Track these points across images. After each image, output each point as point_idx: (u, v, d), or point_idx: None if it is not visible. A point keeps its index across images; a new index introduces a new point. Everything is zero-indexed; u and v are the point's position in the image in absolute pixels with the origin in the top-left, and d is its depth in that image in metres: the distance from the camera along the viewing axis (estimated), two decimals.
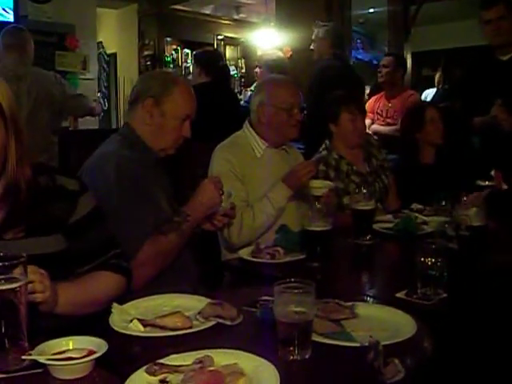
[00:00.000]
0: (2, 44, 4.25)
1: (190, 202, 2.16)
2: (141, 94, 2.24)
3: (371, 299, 1.86)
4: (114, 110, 8.39)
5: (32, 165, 1.67)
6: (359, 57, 8.64)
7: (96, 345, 1.32)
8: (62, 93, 4.28)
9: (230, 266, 2.48)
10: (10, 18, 5.69)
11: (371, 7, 8.37)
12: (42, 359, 1.27)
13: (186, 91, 2.27)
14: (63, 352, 1.32)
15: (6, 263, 1.30)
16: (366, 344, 1.32)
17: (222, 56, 5.00)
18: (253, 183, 2.63)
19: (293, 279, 1.38)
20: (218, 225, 2.31)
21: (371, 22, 8.75)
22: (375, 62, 6.35)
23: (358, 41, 8.98)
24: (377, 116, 5.05)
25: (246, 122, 2.83)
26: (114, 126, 7.93)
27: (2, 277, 1.29)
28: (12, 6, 5.76)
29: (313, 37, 4.71)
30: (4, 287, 1.28)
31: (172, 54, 8.60)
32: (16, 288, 1.30)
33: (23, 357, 1.29)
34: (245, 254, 2.31)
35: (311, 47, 4.74)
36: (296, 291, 1.35)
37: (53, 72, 4.64)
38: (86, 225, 1.74)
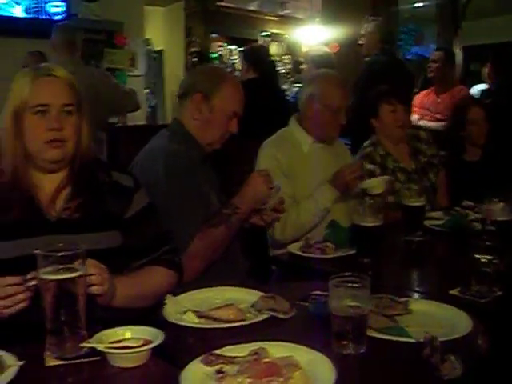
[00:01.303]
0: (52, 42, 4.33)
1: (239, 195, 2.16)
2: (190, 89, 2.26)
3: (424, 296, 1.84)
4: (161, 106, 8.45)
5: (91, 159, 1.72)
6: (407, 51, 8.51)
7: (152, 335, 1.34)
8: (112, 90, 4.33)
9: (279, 261, 2.48)
10: (61, 16, 5.79)
11: (419, 1, 8.25)
12: (100, 347, 1.30)
13: (234, 88, 2.28)
14: (120, 341, 1.35)
15: (66, 254, 1.33)
16: (422, 340, 1.31)
17: (268, 52, 4.99)
18: (300, 179, 2.62)
19: (347, 273, 1.37)
20: (267, 220, 2.30)
21: (419, 16, 8.61)
22: (426, 56, 6.20)
23: (406, 35, 8.85)
24: (426, 111, 4.97)
25: (292, 117, 2.83)
26: (160, 122, 7.99)
27: (62, 267, 1.33)
28: (63, 5, 5.86)
29: (362, 31, 4.68)
30: (64, 276, 1.32)
31: (218, 51, 8.64)
32: (75, 278, 1.33)
33: (82, 344, 1.33)
34: (294, 248, 2.31)
35: (359, 42, 4.71)
36: (351, 285, 1.34)
37: (103, 70, 4.70)
38: (141, 221, 1.77)
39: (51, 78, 1.66)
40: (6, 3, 5.31)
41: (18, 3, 5.45)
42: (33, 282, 1.37)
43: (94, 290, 1.45)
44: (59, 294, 1.32)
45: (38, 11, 5.58)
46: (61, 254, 1.32)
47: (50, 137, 1.63)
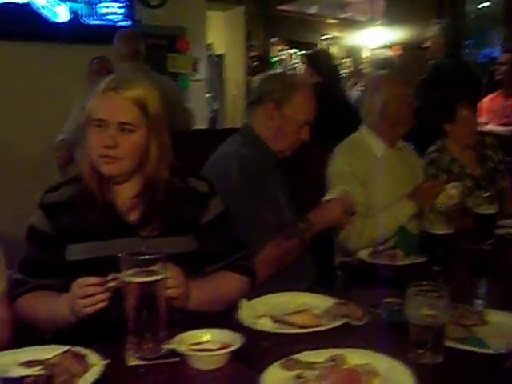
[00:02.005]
0: (117, 50, 4.41)
1: (316, 214, 2.18)
2: (262, 97, 2.28)
3: (495, 306, 1.81)
4: (222, 111, 8.53)
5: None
6: (474, 54, 8.33)
7: (231, 338, 1.36)
8: (177, 100, 4.40)
9: (347, 267, 2.48)
10: (125, 23, 5.92)
11: (484, 1, 8.06)
12: (181, 349, 1.33)
13: (307, 97, 2.30)
14: (200, 343, 1.37)
15: (147, 257, 1.37)
16: (503, 351, 1.29)
17: (332, 55, 4.98)
18: (374, 184, 2.60)
19: (425, 282, 1.36)
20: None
21: (484, 17, 8.41)
22: (493, 58, 6.03)
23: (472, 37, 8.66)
24: (493, 115, 4.85)
25: (363, 123, 2.81)
26: (221, 126, 8.08)
27: (143, 269, 1.36)
28: (127, 12, 5.98)
29: (427, 34, 4.61)
30: (146, 279, 1.36)
31: (278, 55, 8.67)
32: (157, 281, 1.37)
33: (164, 346, 1.36)
34: (363, 255, 2.30)
35: (425, 45, 4.65)
36: (429, 294, 1.33)
37: (167, 77, 4.78)
38: (216, 227, 1.80)
39: (115, 94, 1.65)
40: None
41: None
42: (112, 284, 1.41)
43: (170, 292, 1.47)
44: (141, 296, 1.36)
45: (90, 15, 5.67)
46: (143, 257, 1.36)
47: (103, 152, 1.65)
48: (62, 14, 5.34)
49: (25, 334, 1.71)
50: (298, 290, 1.82)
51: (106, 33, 5.20)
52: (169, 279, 1.45)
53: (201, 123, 6.24)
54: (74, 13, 5.42)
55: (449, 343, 1.38)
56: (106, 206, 1.70)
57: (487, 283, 2.20)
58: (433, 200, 2.47)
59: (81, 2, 5.49)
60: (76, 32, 5.41)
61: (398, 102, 2.66)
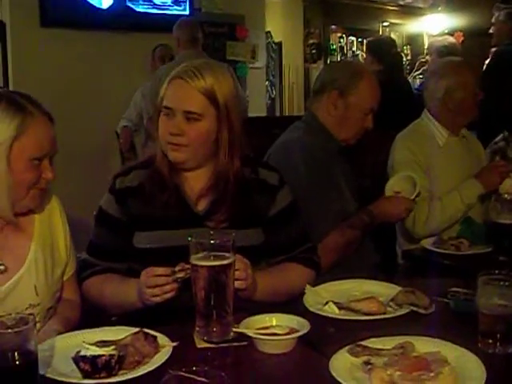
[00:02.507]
0: (177, 38, 4.45)
1: (379, 208, 2.19)
2: (326, 85, 2.27)
3: None
4: (279, 98, 8.53)
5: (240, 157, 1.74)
6: None
7: (298, 323, 1.38)
8: (236, 86, 4.42)
9: (411, 255, 2.46)
10: (185, 11, 5.97)
11: None
12: (250, 333, 1.35)
13: (371, 85, 2.28)
14: (267, 328, 1.39)
15: (218, 242, 1.39)
16: None
17: (394, 43, 4.90)
18: (437, 172, 2.56)
19: (496, 271, 1.35)
20: None
21: None
22: None
23: None
24: None
25: (425, 110, 2.76)
26: (278, 114, 8.08)
27: (213, 253, 1.38)
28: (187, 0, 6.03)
29: (493, 20, 4.49)
30: (215, 263, 1.38)
31: (338, 42, 8.61)
32: (226, 265, 1.38)
33: (233, 329, 1.38)
34: (427, 244, 2.28)
35: (490, 31, 4.52)
36: (501, 283, 1.31)
37: (227, 64, 4.81)
38: (283, 219, 1.79)
39: (182, 82, 1.67)
40: None
41: None
42: (181, 275, 1.44)
43: (238, 284, 1.48)
44: (210, 280, 1.38)
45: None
46: (212, 241, 1.38)
47: (169, 139, 1.67)
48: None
49: (90, 315, 1.75)
50: (362, 277, 1.81)
51: (165, 21, 5.28)
52: (237, 271, 1.46)
53: (259, 110, 6.26)
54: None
55: None
56: (175, 192, 1.71)
57: None
58: (500, 180, 2.44)
59: None
60: (126, 20, 5.44)
61: (463, 90, 2.61)
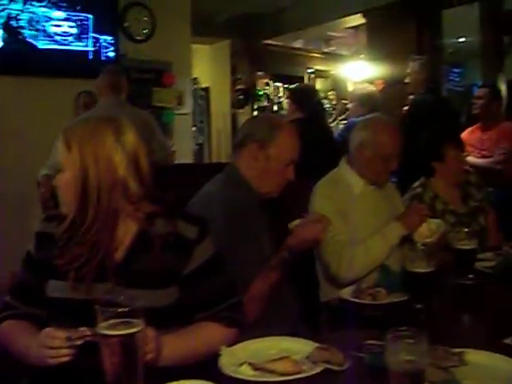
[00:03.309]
0: (97, 85, 4.45)
1: (295, 236, 2.12)
2: (246, 138, 2.29)
3: (477, 344, 1.81)
4: (207, 144, 8.56)
5: (154, 205, 1.72)
6: (451, 87, 8.47)
7: None
8: (157, 132, 4.42)
9: (329, 307, 2.47)
10: (111, 57, 5.96)
11: (462, 37, 8.22)
12: None
13: (291, 136, 2.30)
14: None
15: (125, 310, 1.34)
16: None
17: (316, 92, 5.02)
18: (356, 219, 2.61)
19: (403, 328, 1.36)
20: None
21: (462, 51, 8.57)
22: (475, 89, 6.11)
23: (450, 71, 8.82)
24: (472, 148, 4.92)
25: (343, 159, 2.83)
26: (206, 160, 8.09)
27: (120, 321, 1.33)
28: (112, 47, 6.02)
29: (408, 70, 4.70)
30: (122, 332, 1.32)
31: (264, 88, 8.76)
32: (133, 333, 1.33)
33: None
34: (346, 294, 2.30)
35: (405, 80, 4.73)
36: (407, 340, 1.33)
37: (146, 111, 4.80)
38: (201, 276, 1.71)
39: None
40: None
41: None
42: (78, 342, 1.41)
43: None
44: (117, 349, 1.32)
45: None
46: (120, 309, 1.33)
47: None
48: None
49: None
50: (281, 334, 1.79)
51: (90, 67, 5.25)
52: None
53: (186, 157, 6.26)
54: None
55: None
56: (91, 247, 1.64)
57: (469, 320, 2.21)
58: (421, 222, 2.50)
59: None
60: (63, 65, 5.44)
61: (372, 149, 2.66)
